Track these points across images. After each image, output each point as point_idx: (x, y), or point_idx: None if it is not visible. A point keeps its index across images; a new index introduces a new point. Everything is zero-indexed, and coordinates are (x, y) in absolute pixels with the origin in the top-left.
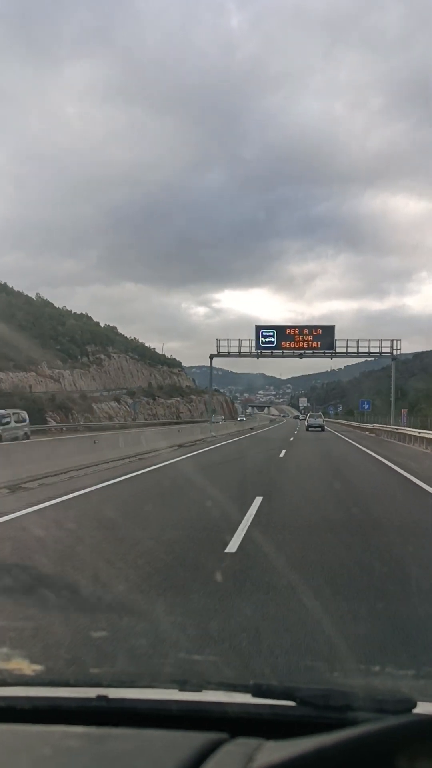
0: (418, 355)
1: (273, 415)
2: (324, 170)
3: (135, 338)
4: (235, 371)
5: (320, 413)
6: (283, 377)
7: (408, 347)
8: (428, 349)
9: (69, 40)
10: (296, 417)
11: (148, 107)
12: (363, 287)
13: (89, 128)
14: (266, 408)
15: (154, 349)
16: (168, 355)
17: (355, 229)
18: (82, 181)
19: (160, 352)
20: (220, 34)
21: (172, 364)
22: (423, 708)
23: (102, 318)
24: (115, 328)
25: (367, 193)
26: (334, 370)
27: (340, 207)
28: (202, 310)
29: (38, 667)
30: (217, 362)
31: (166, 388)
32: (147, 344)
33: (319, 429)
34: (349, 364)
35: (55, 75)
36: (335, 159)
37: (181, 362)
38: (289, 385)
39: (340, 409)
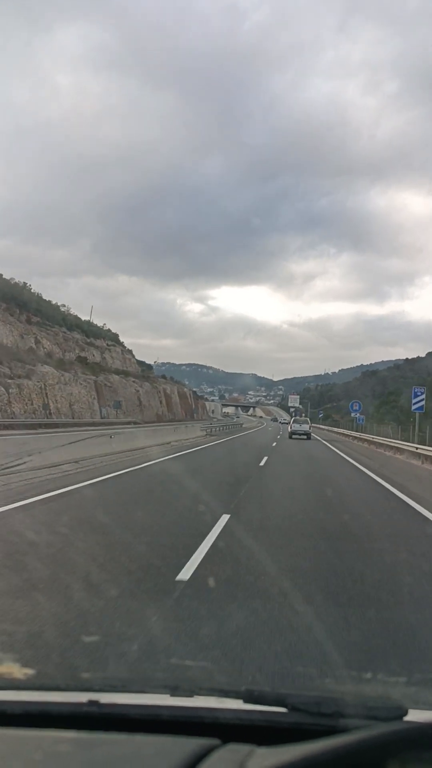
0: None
1: (255, 416)
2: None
3: (25, 283)
4: (226, 370)
5: (307, 418)
6: (276, 378)
7: (404, 353)
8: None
9: None
10: (274, 419)
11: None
12: (364, 287)
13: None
14: (251, 408)
15: (71, 310)
16: (101, 324)
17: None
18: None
19: (86, 318)
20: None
21: (94, 333)
22: (414, 715)
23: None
24: None
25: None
26: (328, 373)
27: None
28: (198, 307)
29: (29, 672)
30: (209, 360)
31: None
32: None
33: (305, 437)
34: (344, 367)
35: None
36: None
37: (117, 335)
38: (281, 387)
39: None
